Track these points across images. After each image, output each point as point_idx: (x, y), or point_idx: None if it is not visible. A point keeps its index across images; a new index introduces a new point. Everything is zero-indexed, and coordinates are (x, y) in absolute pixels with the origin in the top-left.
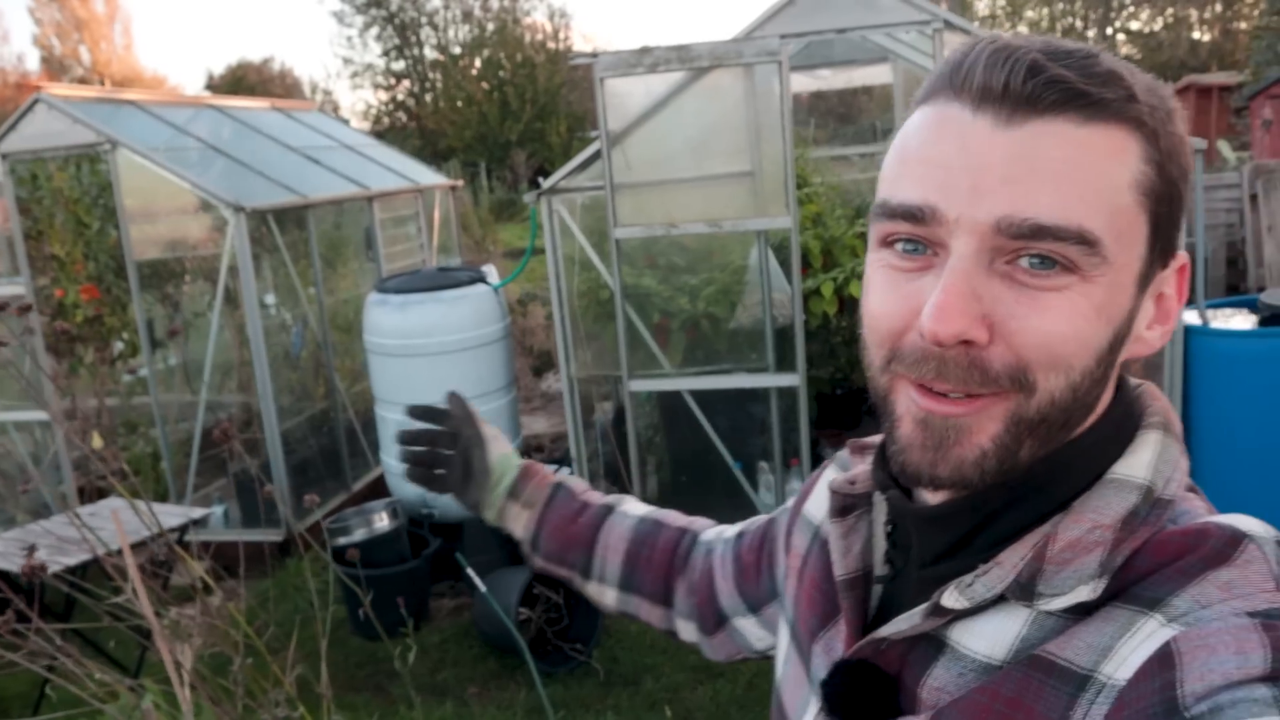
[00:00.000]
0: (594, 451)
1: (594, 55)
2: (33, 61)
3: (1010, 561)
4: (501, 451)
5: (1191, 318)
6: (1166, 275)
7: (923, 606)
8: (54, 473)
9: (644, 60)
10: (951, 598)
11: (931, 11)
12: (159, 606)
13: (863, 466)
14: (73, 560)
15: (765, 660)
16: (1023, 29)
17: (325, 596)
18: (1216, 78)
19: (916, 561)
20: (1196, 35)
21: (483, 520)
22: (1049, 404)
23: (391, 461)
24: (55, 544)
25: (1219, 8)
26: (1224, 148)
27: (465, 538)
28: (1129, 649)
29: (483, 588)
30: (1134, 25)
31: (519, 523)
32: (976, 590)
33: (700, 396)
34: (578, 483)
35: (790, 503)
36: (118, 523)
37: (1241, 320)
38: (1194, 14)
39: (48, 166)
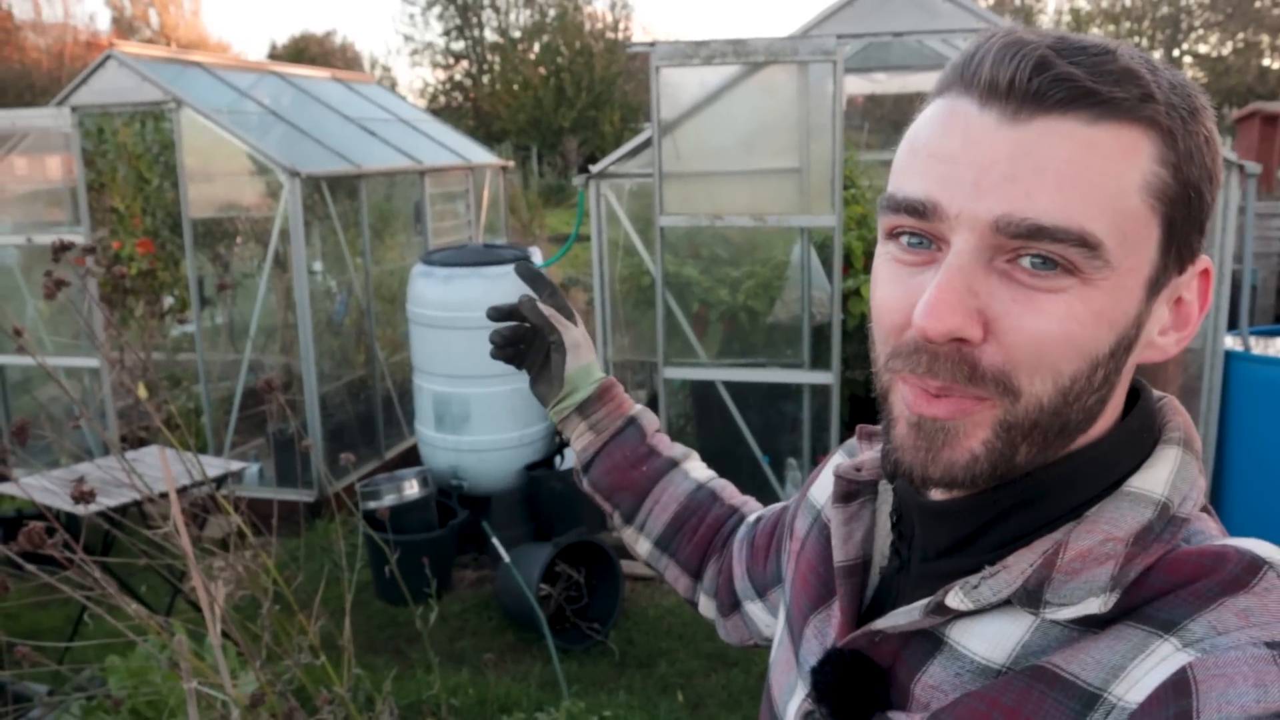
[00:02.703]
0: None
1: (652, 44)
2: (103, 21)
3: (1019, 567)
4: (581, 363)
5: (1234, 343)
6: (1184, 280)
7: (924, 602)
8: (99, 419)
9: (700, 52)
10: (956, 598)
11: (990, 20)
12: (196, 549)
13: (870, 453)
14: (113, 501)
15: None
16: None
17: (352, 559)
18: None
19: (919, 555)
20: (1266, 62)
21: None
22: (1037, 408)
23: (426, 431)
24: (97, 485)
25: None
26: None
27: (492, 512)
28: (1141, 671)
29: (507, 558)
30: (1202, 48)
31: (579, 440)
32: (982, 593)
33: (734, 388)
34: (651, 420)
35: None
36: (165, 463)
37: None
38: (1265, 40)
39: (114, 121)
